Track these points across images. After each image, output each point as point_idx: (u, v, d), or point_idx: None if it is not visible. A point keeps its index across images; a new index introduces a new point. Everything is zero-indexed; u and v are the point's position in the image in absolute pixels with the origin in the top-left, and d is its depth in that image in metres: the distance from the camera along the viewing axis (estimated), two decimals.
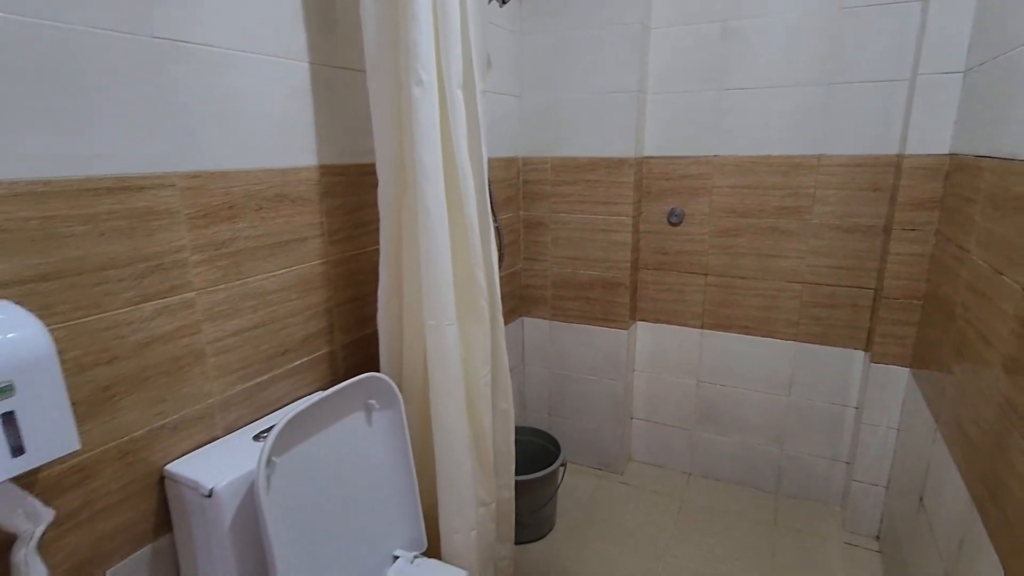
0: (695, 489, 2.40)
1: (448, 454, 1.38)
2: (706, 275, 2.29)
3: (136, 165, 1.01)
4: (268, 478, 1.04)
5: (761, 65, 2.03)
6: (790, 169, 2.07)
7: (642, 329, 2.45)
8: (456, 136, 1.28)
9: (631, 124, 2.14)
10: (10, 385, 0.77)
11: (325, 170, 1.41)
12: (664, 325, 2.41)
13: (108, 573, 1.04)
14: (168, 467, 1.11)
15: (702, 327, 2.34)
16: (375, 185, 1.39)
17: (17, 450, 0.78)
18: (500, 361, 1.50)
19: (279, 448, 1.07)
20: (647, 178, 2.29)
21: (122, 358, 1.02)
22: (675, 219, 2.27)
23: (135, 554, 1.09)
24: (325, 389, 1.48)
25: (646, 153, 2.27)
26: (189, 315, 1.13)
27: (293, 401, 1.39)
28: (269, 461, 1.04)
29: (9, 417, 0.77)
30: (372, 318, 1.51)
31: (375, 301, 1.47)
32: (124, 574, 1.06)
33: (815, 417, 2.22)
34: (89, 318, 0.97)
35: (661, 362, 2.45)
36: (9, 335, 0.78)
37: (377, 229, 1.52)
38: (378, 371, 1.56)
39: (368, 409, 1.31)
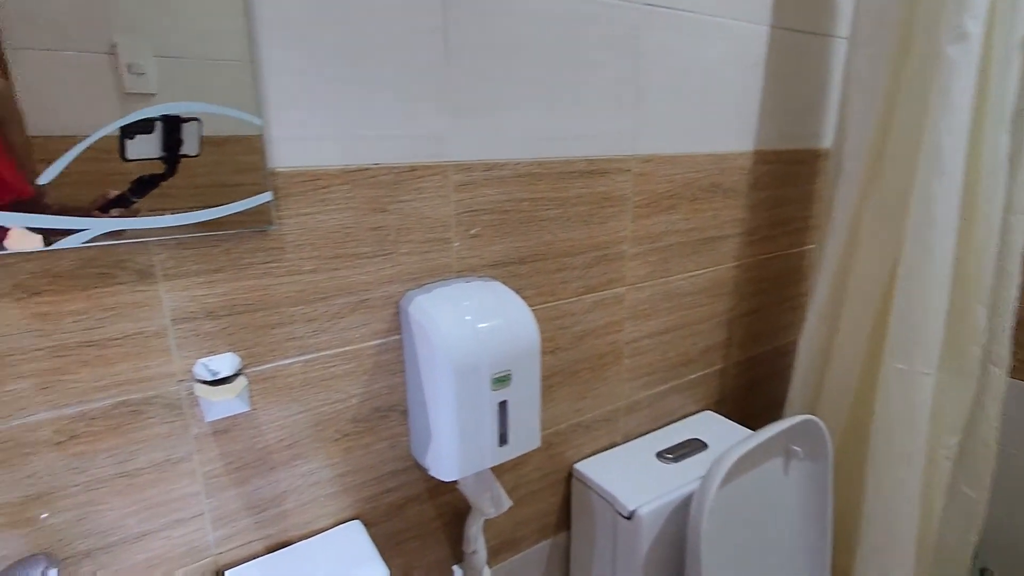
0: None
1: (883, 534, 1.05)
2: None
3: (603, 147, 0.93)
4: (706, 514, 0.88)
5: None
6: None
7: None
8: (995, 117, 0.90)
9: None
10: (508, 375, 0.74)
11: (758, 157, 1.17)
12: None
13: (509, 562, 1.04)
14: (577, 466, 1.05)
15: None
16: (805, 176, 1.11)
17: (502, 439, 0.77)
18: (982, 432, 1.07)
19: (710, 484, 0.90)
20: None
21: (562, 349, 0.98)
22: None
23: (537, 545, 1.07)
24: (711, 408, 1.30)
25: None
26: (617, 311, 1.04)
27: (683, 417, 1.23)
28: (709, 497, 0.88)
29: (502, 407, 0.75)
30: (767, 335, 1.25)
31: (776, 315, 1.20)
32: (519, 564, 1.06)
33: None
34: (545, 305, 0.94)
35: None
36: (511, 321, 0.76)
37: (797, 230, 1.23)
38: (777, 403, 1.30)
39: (788, 455, 1.06)
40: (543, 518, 1.06)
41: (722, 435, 1.13)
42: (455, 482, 0.85)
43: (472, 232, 0.83)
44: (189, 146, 0.60)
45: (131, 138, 0.57)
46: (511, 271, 0.89)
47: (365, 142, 0.72)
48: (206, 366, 0.65)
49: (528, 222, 0.88)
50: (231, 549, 0.73)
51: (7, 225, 0.52)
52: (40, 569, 0.54)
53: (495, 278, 0.86)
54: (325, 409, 0.76)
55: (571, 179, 0.91)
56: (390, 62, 0.71)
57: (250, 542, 0.74)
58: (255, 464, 0.72)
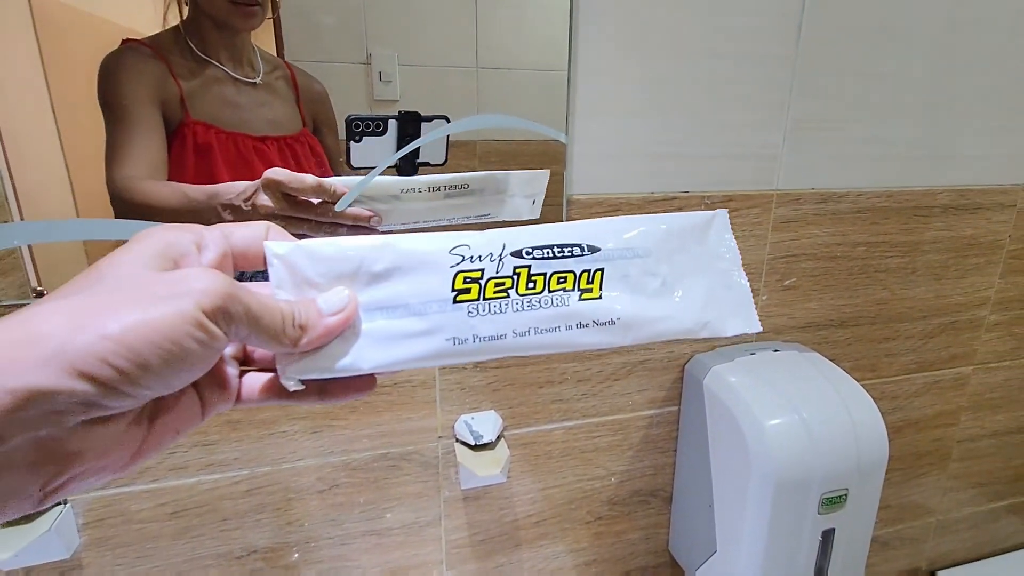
0: None
1: None
2: None
3: (982, 173, 0.66)
4: None
5: None
6: None
7: None
8: None
9: None
10: (844, 495, 0.53)
11: None
12: None
13: None
14: None
15: None
16: None
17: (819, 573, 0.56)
18: None
19: None
20: None
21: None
22: None
23: None
24: None
25: None
26: (955, 398, 0.75)
27: (1018, 548, 0.88)
28: None
29: (827, 537, 0.54)
30: None
31: None
32: None
33: None
34: (861, 382, 0.69)
35: None
36: (856, 421, 0.54)
37: None
38: None
39: None
40: None
41: None
42: None
43: (786, 283, 0.63)
44: (432, 153, 0.49)
45: (357, 140, 0.47)
46: (825, 336, 0.66)
47: (675, 164, 0.55)
48: (469, 426, 0.55)
49: (859, 273, 0.65)
50: None
51: None
52: None
53: (805, 345, 0.65)
54: (582, 485, 0.63)
55: (928, 216, 0.65)
56: (721, 55, 0.53)
57: None
58: (500, 538, 0.62)
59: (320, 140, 0.47)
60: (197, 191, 0.44)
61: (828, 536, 0.54)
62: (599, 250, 0.24)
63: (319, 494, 0.54)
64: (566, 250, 0.24)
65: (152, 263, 0.19)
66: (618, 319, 0.24)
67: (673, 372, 0.62)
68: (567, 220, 0.53)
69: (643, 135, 0.54)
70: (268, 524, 0.53)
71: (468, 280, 0.23)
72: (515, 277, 0.23)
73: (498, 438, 0.56)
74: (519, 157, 0.51)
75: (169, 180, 0.43)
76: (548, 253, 0.24)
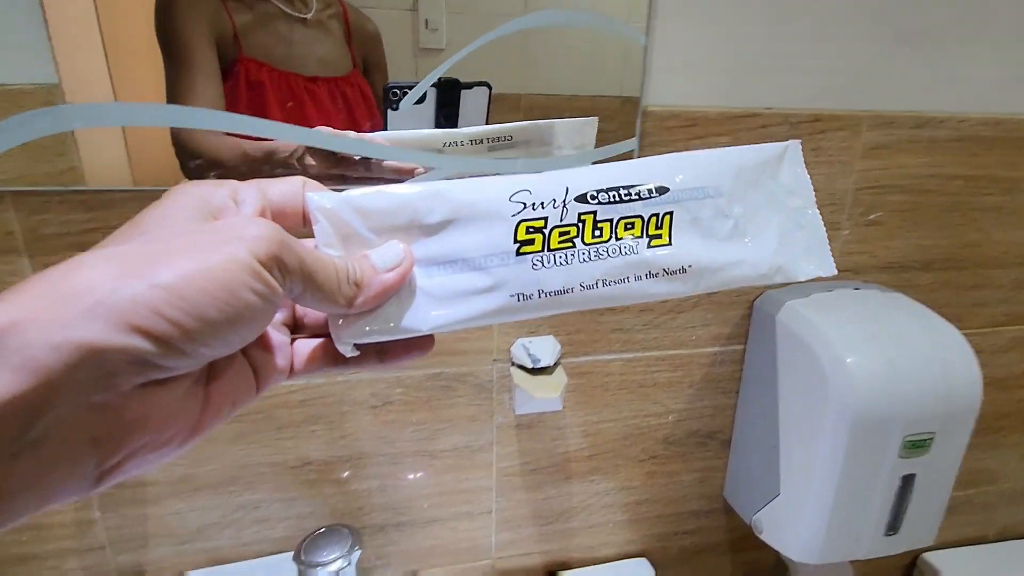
0: None
1: None
2: None
3: None
4: None
5: None
6: None
7: None
8: None
9: None
10: (931, 439, 0.49)
11: None
12: None
13: None
14: (925, 556, 0.76)
15: None
16: None
17: (891, 526, 0.52)
18: None
19: None
20: None
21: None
22: None
23: None
24: None
25: None
26: None
27: None
28: None
29: (907, 482, 0.51)
30: None
31: None
32: None
33: None
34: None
35: None
36: (947, 361, 0.50)
37: None
38: None
39: None
40: None
41: None
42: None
43: (871, 218, 0.58)
44: (472, 116, 0.46)
45: (394, 108, 0.45)
46: (908, 279, 0.61)
47: (759, 76, 0.51)
48: (527, 349, 0.53)
49: (952, 211, 0.60)
50: (510, 556, 0.63)
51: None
52: (347, 545, 0.48)
53: (886, 287, 0.60)
54: (637, 422, 0.60)
55: None
56: None
57: (529, 553, 0.63)
58: (551, 469, 0.60)
59: (370, 83, 0.45)
60: (255, 148, 0.43)
61: (908, 482, 0.51)
62: (668, 190, 0.22)
63: (372, 410, 0.53)
64: (633, 191, 0.22)
65: (194, 216, 0.18)
66: (690, 266, 0.23)
67: (741, 308, 0.58)
68: (640, 135, 0.50)
69: (728, 42, 0.49)
70: (322, 436, 0.53)
71: (531, 231, 0.21)
72: (580, 225, 0.22)
73: (555, 364, 0.54)
74: (564, 114, 0.48)
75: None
76: (614, 196, 0.22)
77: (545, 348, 0.53)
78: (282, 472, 0.53)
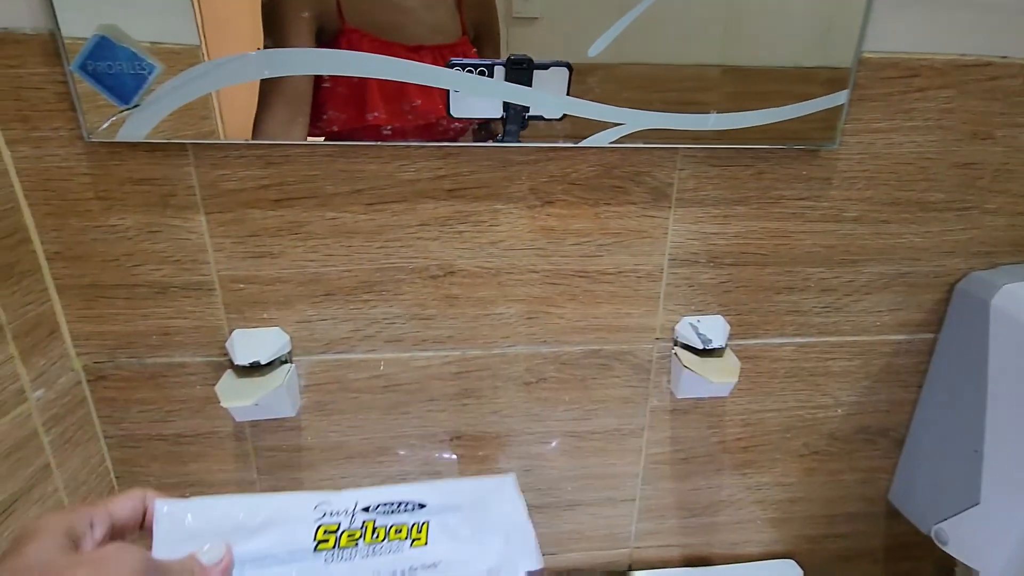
0: None
1: None
2: None
3: None
4: None
5: None
6: None
7: None
8: None
9: None
10: None
11: None
12: None
13: None
14: None
15: None
16: None
17: None
18: None
19: None
20: None
21: None
22: None
23: None
24: None
25: None
26: None
27: None
28: None
29: None
30: None
31: None
32: None
33: None
34: None
35: None
36: None
37: None
38: None
39: None
40: None
41: None
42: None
43: None
44: (547, 105, 0.40)
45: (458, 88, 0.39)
46: None
47: (997, 18, 0.43)
48: (695, 329, 0.48)
49: None
50: (648, 547, 0.59)
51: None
52: None
53: None
54: (802, 413, 0.55)
55: None
56: None
57: (668, 545, 0.60)
58: (703, 459, 0.56)
59: (479, 53, 0.40)
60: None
61: None
62: (425, 506, 0.30)
63: (526, 386, 0.50)
64: (402, 506, 0.30)
65: (63, 545, 0.22)
66: (440, 561, 0.29)
67: (938, 291, 0.51)
68: (853, 87, 0.43)
69: None
70: (473, 411, 0.51)
71: (327, 532, 0.28)
72: (363, 529, 0.29)
73: (725, 346, 0.49)
74: (668, 84, 0.41)
75: (324, 92, 0.39)
76: (389, 509, 0.30)
77: (716, 328, 0.49)
78: (432, 444, 0.51)
